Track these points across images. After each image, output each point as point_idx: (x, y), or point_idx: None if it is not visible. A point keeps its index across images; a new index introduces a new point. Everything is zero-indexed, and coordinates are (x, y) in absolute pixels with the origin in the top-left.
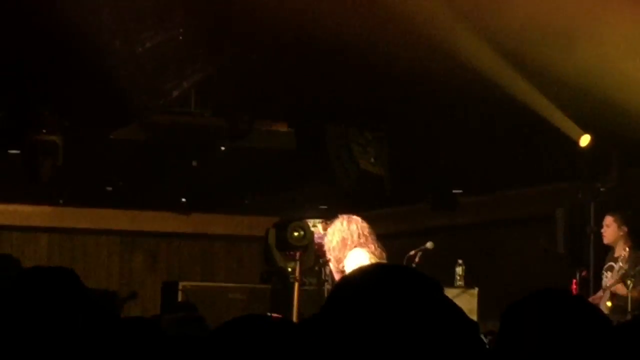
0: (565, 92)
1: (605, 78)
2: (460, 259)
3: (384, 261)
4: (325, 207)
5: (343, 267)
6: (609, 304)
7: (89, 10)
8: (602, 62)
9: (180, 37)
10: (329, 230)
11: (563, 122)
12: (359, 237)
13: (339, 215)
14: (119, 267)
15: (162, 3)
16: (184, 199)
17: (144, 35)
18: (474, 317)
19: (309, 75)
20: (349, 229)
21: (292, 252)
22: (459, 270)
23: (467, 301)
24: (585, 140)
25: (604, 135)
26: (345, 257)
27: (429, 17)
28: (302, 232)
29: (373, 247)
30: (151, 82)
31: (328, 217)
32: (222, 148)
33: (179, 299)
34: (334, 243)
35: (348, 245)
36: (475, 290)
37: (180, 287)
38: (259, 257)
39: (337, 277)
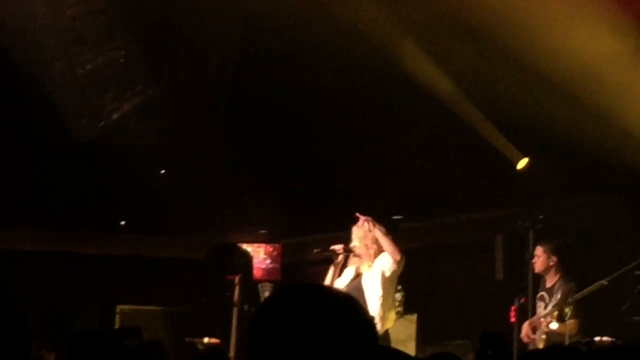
0: (505, 112)
1: (547, 100)
2: (399, 284)
3: None
4: (265, 231)
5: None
6: (541, 345)
7: (29, 31)
8: (543, 82)
9: (121, 60)
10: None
11: (503, 144)
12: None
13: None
14: (57, 289)
15: (103, 26)
16: (122, 222)
17: (84, 57)
18: (413, 344)
19: (249, 92)
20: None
21: (231, 276)
22: (398, 296)
23: (405, 327)
24: (522, 163)
25: (542, 162)
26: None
27: (372, 28)
28: (242, 256)
29: None
30: (91, 104)
31: (268, 241)
32: (162, 171)
33: (116, 322)
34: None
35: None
36: (414, 317)
37: (117, 310)
38: (199, 280)
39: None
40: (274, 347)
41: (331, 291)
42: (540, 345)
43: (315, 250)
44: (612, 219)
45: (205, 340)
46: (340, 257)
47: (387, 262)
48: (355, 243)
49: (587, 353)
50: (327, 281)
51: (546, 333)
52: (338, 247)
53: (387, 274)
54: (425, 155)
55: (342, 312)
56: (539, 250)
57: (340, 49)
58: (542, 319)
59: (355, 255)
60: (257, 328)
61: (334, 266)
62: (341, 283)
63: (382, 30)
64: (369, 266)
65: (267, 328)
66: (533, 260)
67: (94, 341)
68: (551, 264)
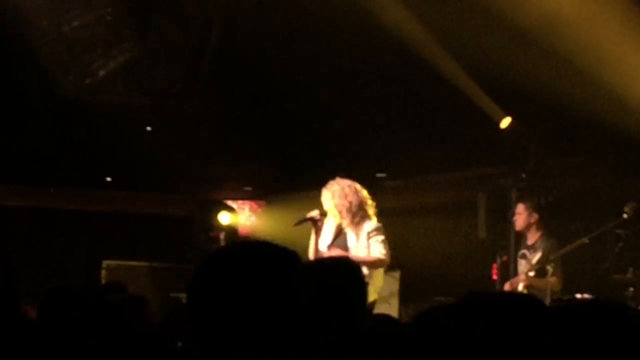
0: (487, 71)
1: (530, 59)
2: None
3: None
4: (250, 188)
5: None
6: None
7: None
8: (527, 42)
9: (108, 17)
10: (341, 191)
11: (486, 103)
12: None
13: (341, 180)
14: (43, 244)
15: None
16: (108, 178)
17: (71, 15)
18: (396, 300)
19: (237, 50)
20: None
21: (216, 233)
22: None
23: (389, 284)
24: (506, 122)
25: (524, 121)
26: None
27: None
28: (227, 214)
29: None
30: (78, 61)
31: (253, 198)
32: (148, 128)
33: (102, 277)
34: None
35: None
36: (397, 273)
37: (103, 265)
38: (184, 237)
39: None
40: (212, 302)
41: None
42: None
43: (295, 224)
44: (593, 178)
45: None
46: (321, 222)
47: (378, 238)
48: (328, 206)
49: (546, 306)
50: (311, 248)
51: (527, 288)
52: (315, 214)
53: (386, 246)
54: (408, 114)
55: (283, 271)
56: (520, 208)
57: (326, 7)
58: (522, 275)
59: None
60: (196, 283)
61: (315, 233)
62: (324, 244)
63: None
64: (355, 225)
65: (206, 283)
66: (514, 218)
67: (68, 296)
68: (532, 221)
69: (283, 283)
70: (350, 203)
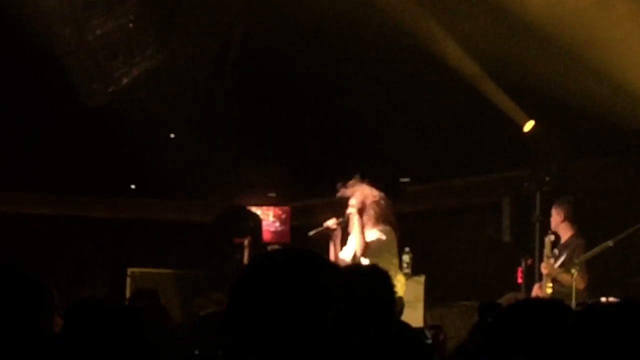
0: (511, 75)
1: (553, 62)
2: (407, 247)
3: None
4: (274, 194)
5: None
6: (549, 290)
7: None
8: (550, 45)
9: (130, 25)
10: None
11: (509, 107)
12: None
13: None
14: (68, 253)
15: None
16: (132, 185)
17: (94, 23)
18: (421, 305)
19: (260, 56)
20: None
21: (240, 239)
22: (406, 258)
23: (413, 289)
24: (529, 125)
25: (548, 124)
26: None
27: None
28: (251, 219)
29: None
30: (101, 69)
31: (278, 204)
32: (172, 135)
33: (128, 285)
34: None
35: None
36: (422, 278)
37: (128, 273)
38: (208, 243)
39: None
40: (253, 309)
41: (320, 259)
42: None
43: (310, 233)
44: (618, 180)
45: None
46: (338, 231)
47: (375, 235)
48: (350, 210)
49: (571, 309)
50: (331, 254)
51: (552, 287)
52: (332, 223)
53: (378, 247)
54: (432, 118)
55: (325, 280)
56: (553, 209)
57: (347, 13)
58: (546, 267)
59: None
60: (239, 288)
61: (333, 242)
62: (346, 254)
63: None
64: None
65: (249, 289)
66: (552, 218)
67: (92, 309)
68: (568, 222)
69: (321, 289)
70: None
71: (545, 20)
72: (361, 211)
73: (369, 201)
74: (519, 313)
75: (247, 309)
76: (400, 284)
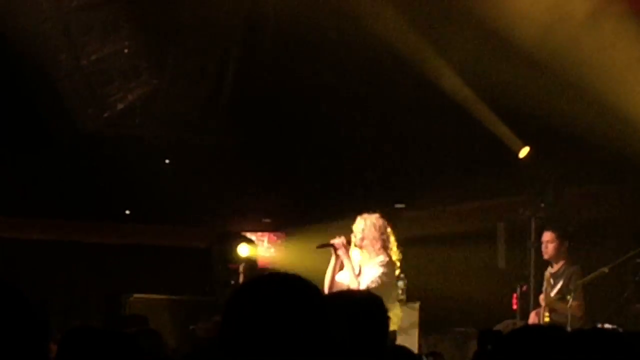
0: (506, 101)
1: (548, 89)
2: (401, 273)
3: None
4: (269, 220)
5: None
6: (547, 319)
7: (34, 22)
8: (544, 71)
9: (125, 50)
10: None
11: (504, 133)
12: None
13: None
14: (63, 278)
15: (108, 16)
16: (127, 211)
17: (89, 48)
18: (415, 331)
19: (255, 83)
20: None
21: (235, 265)
22: (400, 284)
23: (408, 315)
24: (524, 151)
25: (543, 150)
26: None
27: (374, 18)
28: (246, 246)
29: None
30: (96, 95)
31: (272, 230)
32: (167, 161)
33: (125, 311)
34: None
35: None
36: (417, 304)
37: (123, 298)
38: (203, 269)
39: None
40: (246, 332)
41: (305, 283)
42: None
43: (317, 246)
44: (612, 208)
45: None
46: (342, 251)
47: (377, 270)
48: (357, 235)
49: (566, 333)
50: (328, 274)
51: (550, 316)
52: (338, 241)
53: (380, 279)
54: (427, 144)
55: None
56: (549, 236)
57: (342, 38)
58: (544, 298)
59: (357, 246)
60: (230, 311)
61: (335, 259)
62: (343, 277)
63: (385, 21)
64: (369, 258)
65: (240, 312)
66: (543, 246)
67: (88, 337)
68: (563, 249)
69: (310, 315)
70: (376, 234)
71: (538, 46)
72: (362, 241)
73: (370, 233)
74: (519, 340)
75: (238, 329)
76: (397, 318)
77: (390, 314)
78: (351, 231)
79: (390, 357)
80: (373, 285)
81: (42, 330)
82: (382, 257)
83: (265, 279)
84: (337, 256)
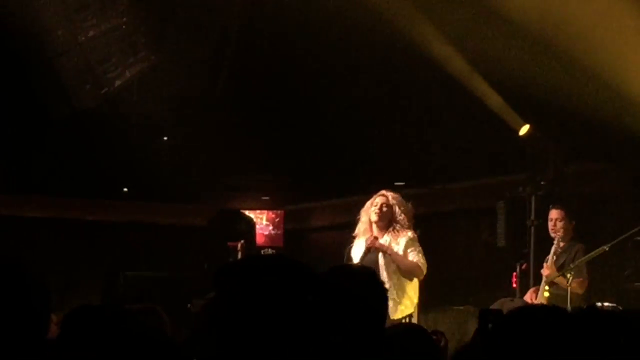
0: (506, 79)
1: (549, 66)
2: None
3: None
4: (268, 197)
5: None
6: (546, 294)
7: None
8: (545, 49)
9: (124, 27)
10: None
11: (505, 111)
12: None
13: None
14: (62, 255)
15: None
16: (125, 188)
17: (87, 25)
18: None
19: (254, 60)
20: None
21: (234, 242)
22: None
23: None
24: (524, 129)
25: (543, 128)
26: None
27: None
28: (245, 223)
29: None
30: (94, 71)
31: (271, 207)
32: (165, 138)
33: (123, 288)
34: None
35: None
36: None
37: (121, 276)
38: (202, 246)
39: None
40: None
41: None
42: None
43: (363, 254)
44: (613, 185)
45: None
46: (378, 244)
47: (415, 245)
48: (396, 212)
49: (566, 313)
50: (383, 274)
51: (549, 290)
52: (372, 240)
53: (420, 252)
54: (427, 122)
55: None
56: (559, 214)
57: (342, 15)
58: (546, 270)
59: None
60: (221, 290)
61: (382, 255)
62: (355, 254)
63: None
64: (398, 237)
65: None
66: (551, 224)
67: (90, 317)
68: (571, 227)
69: (296, 294)
70: (405, 212)
71: (541, 24)
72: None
73: (405, 207)
74: (519, 320)
75: (228, 309)
76: (407, 308)
77: (411, 292)
78: (353, 209)
79: (403, 335)
80: (423, 261)
81: (43, 302)
82: (411, 233)
83: (254, 260)
84: (384, 252)
